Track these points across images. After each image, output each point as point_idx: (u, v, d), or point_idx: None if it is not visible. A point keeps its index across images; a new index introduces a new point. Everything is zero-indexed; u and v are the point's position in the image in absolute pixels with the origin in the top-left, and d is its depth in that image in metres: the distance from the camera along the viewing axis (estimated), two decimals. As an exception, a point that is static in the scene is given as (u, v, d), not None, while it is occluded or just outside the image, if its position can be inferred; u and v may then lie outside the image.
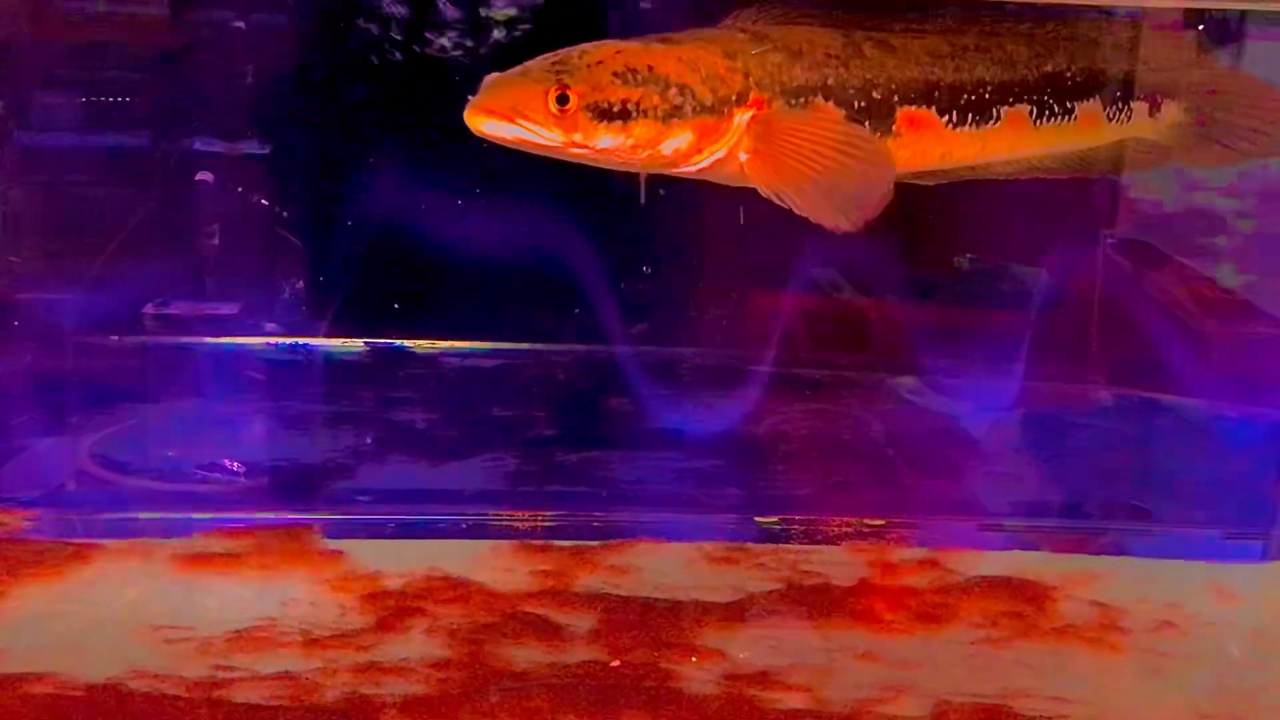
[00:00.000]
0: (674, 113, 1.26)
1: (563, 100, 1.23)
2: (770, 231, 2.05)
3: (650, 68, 1.27)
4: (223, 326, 1.95)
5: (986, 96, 1.36)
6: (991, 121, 1.37)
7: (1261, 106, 1.46)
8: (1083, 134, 1.42)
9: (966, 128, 1.36)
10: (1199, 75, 1.45)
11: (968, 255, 2.29)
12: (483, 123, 1.22)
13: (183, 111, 2.02)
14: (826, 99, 1.31)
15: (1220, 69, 1.51)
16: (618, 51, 1.27)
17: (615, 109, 1.25)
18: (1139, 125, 1.44)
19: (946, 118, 1.35)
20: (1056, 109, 1.38)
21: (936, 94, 1.35)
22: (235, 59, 1.96)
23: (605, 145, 1.25)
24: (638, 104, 1.25)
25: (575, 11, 1.89)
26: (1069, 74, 1.39)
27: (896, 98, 1.34)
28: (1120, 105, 1.41)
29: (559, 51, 1.28)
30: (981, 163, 1.40)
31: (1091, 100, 1.40)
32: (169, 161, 2.04)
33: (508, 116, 1.22)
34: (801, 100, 1.31)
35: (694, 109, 1.27)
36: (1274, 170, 2.07)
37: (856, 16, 1.35)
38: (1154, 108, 1.43)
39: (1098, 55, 1.40)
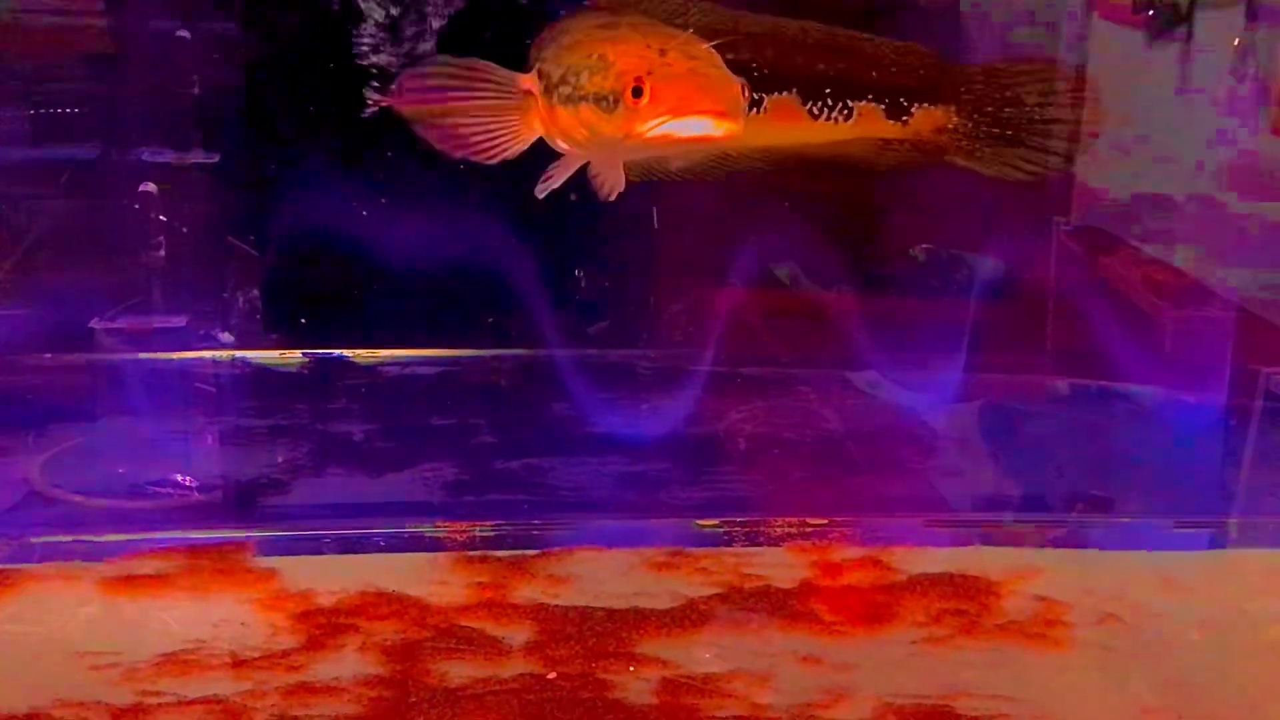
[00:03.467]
0: None
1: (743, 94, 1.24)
2: (712, 229, 2.05)
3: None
4: (158, 341, 1.92)
5: None
6: None
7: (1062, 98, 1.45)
8: (777, 128, 1.40)
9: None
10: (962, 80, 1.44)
11: (922, 246, 2.28)
12: (724, 127, 1.21)
13: (125, 122, 2.00)
14: None
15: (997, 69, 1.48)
16: (684, 37, 1.26)
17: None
18: (876, 127, 1.42)
19: None
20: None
21: None
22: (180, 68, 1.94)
23: None
24: None
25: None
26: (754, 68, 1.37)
27: None
28: (828, 105, 1.39)
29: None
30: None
31: (788, 94, 1.38)
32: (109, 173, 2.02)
33: (736, 118, 1.21)
34: None
35: None
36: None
37: None
38: (899, 111, 1.42)
39: (796, 54, 1.39)
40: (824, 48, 1.40)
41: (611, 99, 1.23)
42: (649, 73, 1.22)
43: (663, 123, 1.21)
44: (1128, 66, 2.17)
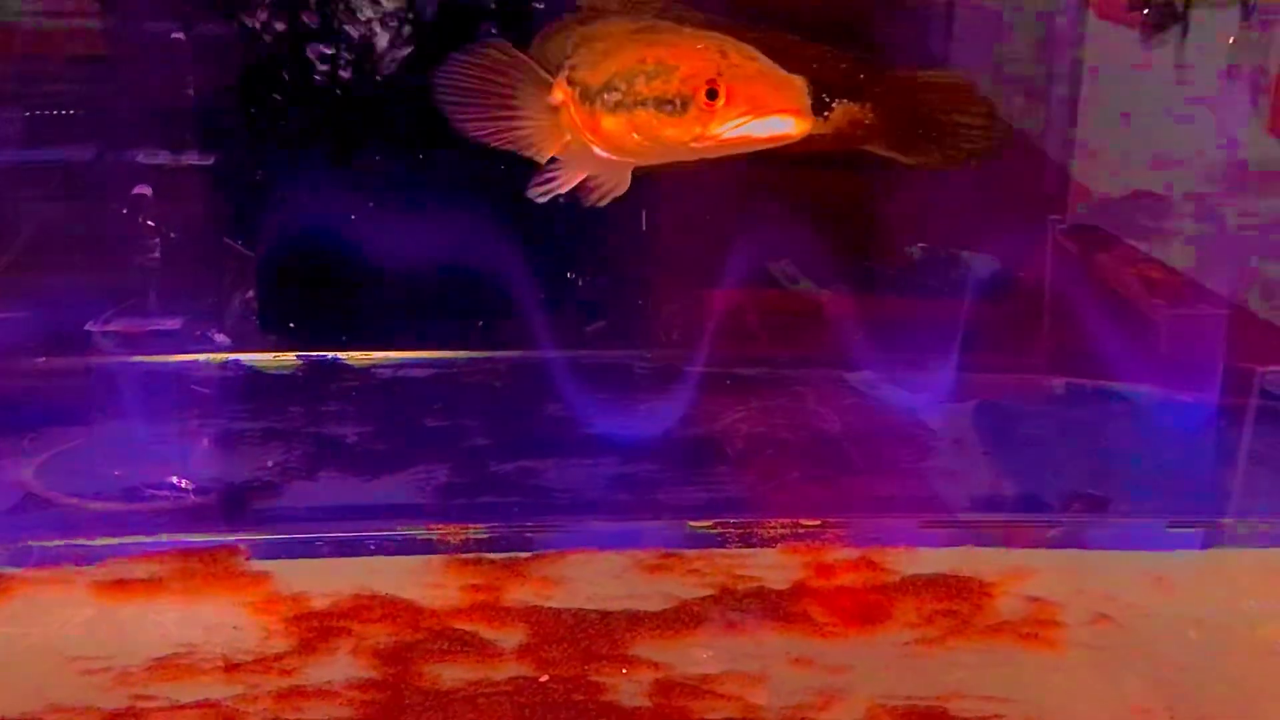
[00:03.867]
0: None
1: None
2: (708, 229, 2.05)
3: None
4: (152, 344, 1.92)
5: None
6: None
7: (962, 105, 1.52)
8: None
9: None
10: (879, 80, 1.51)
11: (919, 245, 2.28)
12: (801, 125, 1.22)
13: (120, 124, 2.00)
14: None
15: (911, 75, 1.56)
16: (732, 39, 1.28)
17: None
18: None
19: None
20: None
21: None
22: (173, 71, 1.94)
23: None
24: None
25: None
26: None
27: None
28: None
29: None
30: None
31: None
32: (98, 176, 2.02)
33: (810, 116, 1.24)
34: None
35: None
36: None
37: None
38: (821, 106, 1.46)
39: None
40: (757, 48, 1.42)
41: (679, 102, 1.22)
42: (720, 74, 1.22)
43: (743, 123, 1.21)
44: (1123, 65, 2.17)
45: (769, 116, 1.21)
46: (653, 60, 1.25)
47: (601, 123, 1.28)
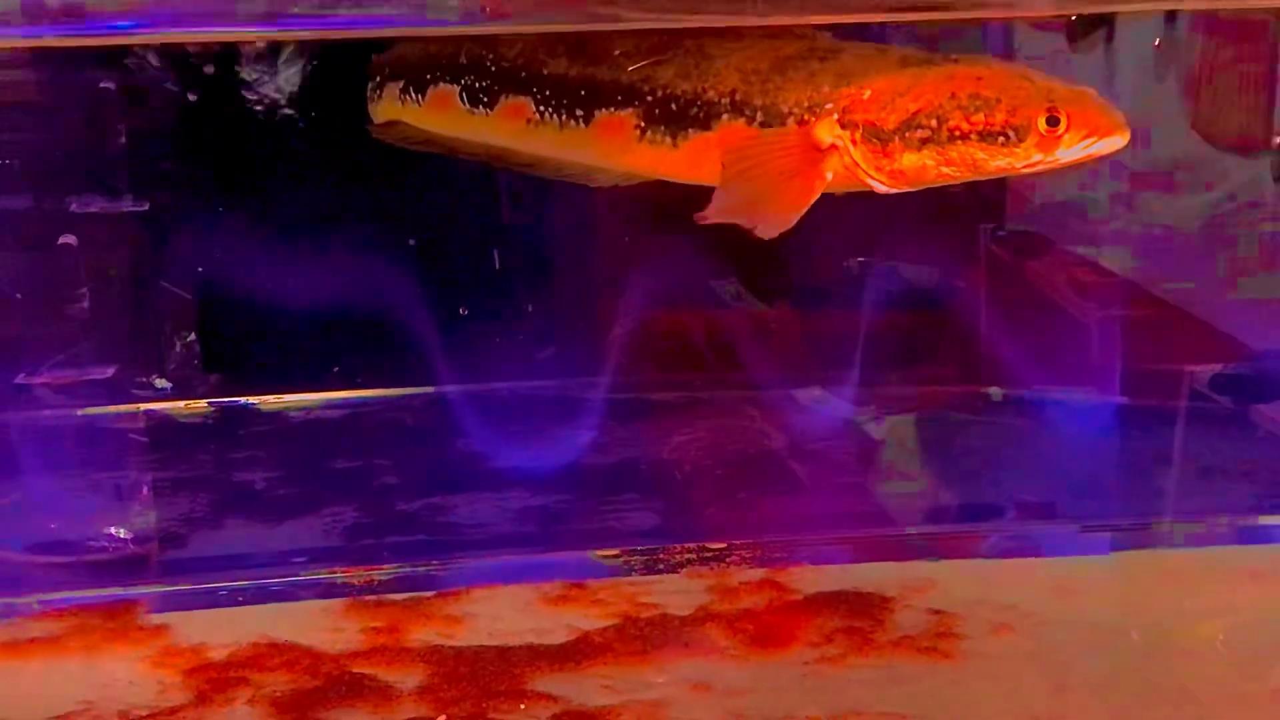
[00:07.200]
0: None
1: None
2: (645, 250, 2.04)
3: None
4: (53, 395, 1.91)
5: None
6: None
7: None
8: None
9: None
10: None
11: (857, 259, 2.28)
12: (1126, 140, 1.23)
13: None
14: None
15: None
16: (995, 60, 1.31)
17: None
18: None
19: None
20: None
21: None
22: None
23: None
24: None
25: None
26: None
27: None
28: None
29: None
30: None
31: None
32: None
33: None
34: None
35: None
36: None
37: None
38: None
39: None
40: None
41: (1014, 133, 1.23)
42: (1053, 102, 1.23)
43: (1091, 144, 1.22)
44: (1051, 69, 2.18)
45: (1112, 135, 1.22)
46: (965, 94, 1.25)
47: (901, 160, 1.27)
